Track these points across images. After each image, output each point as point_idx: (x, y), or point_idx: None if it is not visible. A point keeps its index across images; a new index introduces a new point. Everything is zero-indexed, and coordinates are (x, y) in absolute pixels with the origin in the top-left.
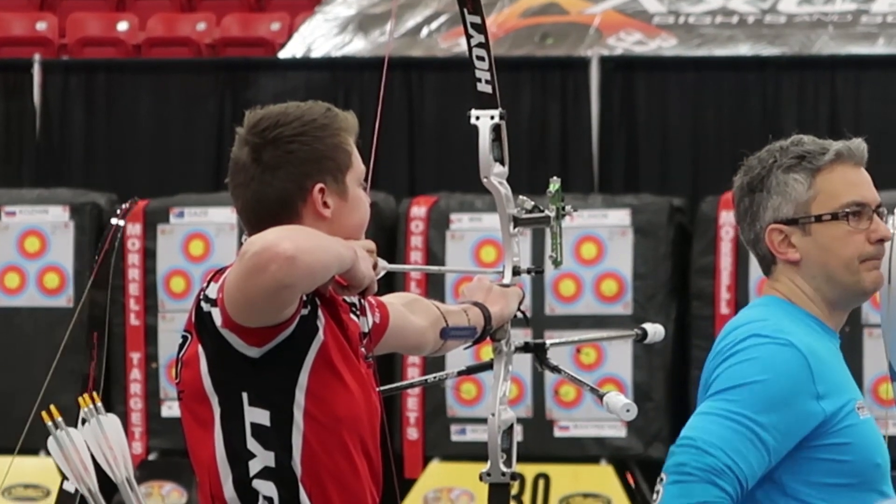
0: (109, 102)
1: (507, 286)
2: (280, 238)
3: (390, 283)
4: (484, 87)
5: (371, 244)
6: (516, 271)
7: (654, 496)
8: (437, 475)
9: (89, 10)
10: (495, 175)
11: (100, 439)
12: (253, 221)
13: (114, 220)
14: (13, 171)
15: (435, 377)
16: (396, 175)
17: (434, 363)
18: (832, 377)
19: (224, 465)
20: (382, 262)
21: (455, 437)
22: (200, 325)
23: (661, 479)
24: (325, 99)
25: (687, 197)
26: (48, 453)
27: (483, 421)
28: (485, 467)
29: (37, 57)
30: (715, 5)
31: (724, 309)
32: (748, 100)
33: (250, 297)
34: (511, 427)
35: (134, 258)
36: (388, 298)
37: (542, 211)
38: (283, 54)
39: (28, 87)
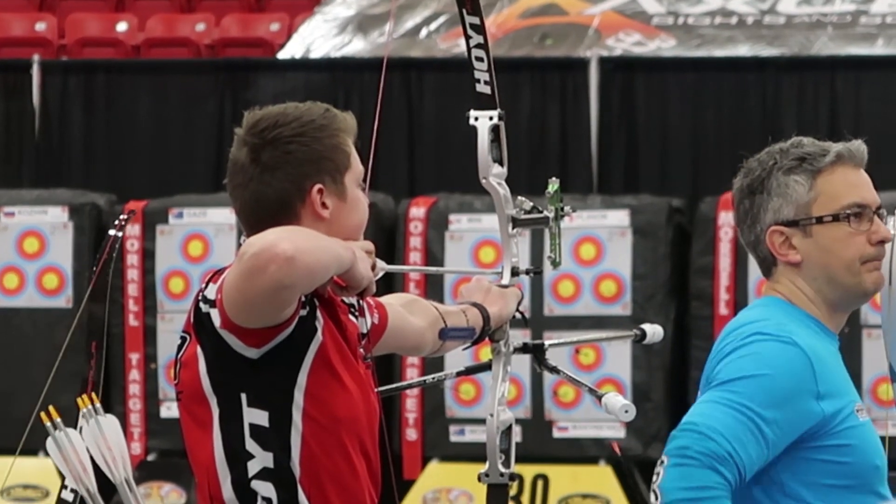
0: (109, 103)
1: (505, 287)
2: (279, 239)
3: (389, 283)
4: (483, 88)
5: (370, 245)
6: (515, 272)
7: (654, 478)
8: (435, 476)
9: (88, 10)
10: (494, 176)
11: (98, 440)
12: (252, 222)
13: (111, 232)
14: (12, 171)
15: (434, 378)
16: (395, 176)
17: (433, 364)
18: (833, 378)
19: (223, 465)
20: (381, 263)
21: (454, 438)
22: (199, 325)
23: (662, 462)
24: (324, 99)
25: (686, 197)
26: (47, 454)
27: (482, 421)
28: (483, 468)
29: (36, 57)
30: (714, 6)
31: (723, 309)
32: (747, 100)
33: (249, 298)
34: (510, 428)
35: (133, 259)
36: (386, 299)
37: (541, 212)
38: (283, 55)
39: (27, 87)
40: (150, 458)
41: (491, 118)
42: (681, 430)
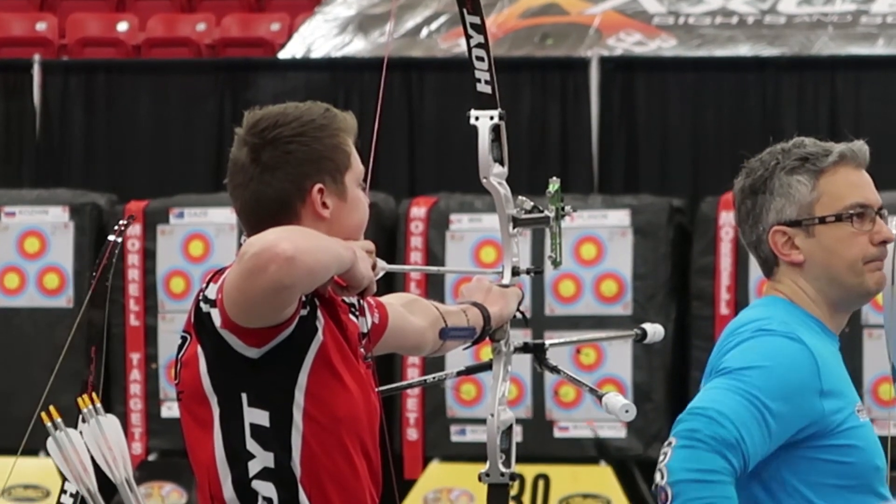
0: (109, 103)
1: (506, 286)
2: (279, 238)
3: (390, 283)
4: (483, 88)
5: (370, 245)
6: (516, 272)
7: (661, 458)
8: (436, 476)
9: (89, 10)
10: (495, 175)
11: (99, 440)
12: (252, 222)
13: (111, 238)
14: (13, 171)
15: (434, 377)
16: (396, 175)
17: (433, 363)
18: (835, 378)
19: (223, 465)
20: (381, 263)
21: (455, 438)
22: (200, 325)
23: (670, 443)
24: (324, 99)
25: (687, 197)
26: (48, 454)
27: (483, 421)
28: (484, 468)
29: (37, 57)
30: (715, 6)
31: (723, 309)
32: (748, 100)
33: (249, 298)
34: (510, 427)
35: (133, 259)
36: (387, 299)
37: (542, 211)
38: (283, 55)
39: (28, 87)
40: (151, 458)
41: (491, 118)
42: (689, 413)
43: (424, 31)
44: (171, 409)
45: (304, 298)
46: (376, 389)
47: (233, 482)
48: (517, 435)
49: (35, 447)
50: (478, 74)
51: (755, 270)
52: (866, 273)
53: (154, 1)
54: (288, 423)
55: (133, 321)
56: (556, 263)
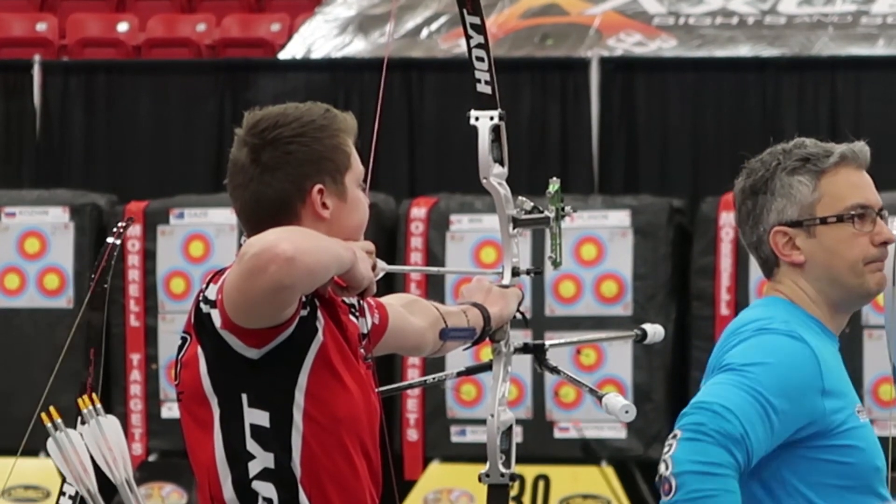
0: (109, 103)
1: (506, 287)
2: (279, 239)
3: (390, 283)
4: (483, 88)
5: (370, 245)
6: (516, 272)
7: (666, 449)
8: (437, 476)
9: (89, 10)
10: (495, 176)
11: (99, 441)
12: (252, 222)
13: (110, 240)
14: (13, 171)
15: (434, 378)
16: (396, 176)
17: (434, 364)
18: (836, 378)
19: (223, 466)
20: (381, 264)
21: (455, 439)
22: (200, 326)
23: (675, 435)
24: (325, 100)
25: (687, 198)
26: (48, 455)
27: (483, 422)
28: (484, 468)
29: (37, 58)
30: (715, 6)
31: (724, 310)
32: (748, 101)
33: (249, 298)
34: (510, 428)
35: (134, 259)
36: (387, 299)
37: (542, 212)
38: (283, 55)
39: (28, 87)
40: (151, 458)
41: (491, 118)
42: (694, 407)
43: (424, 32)
44: (171, 410)
45: (304, 299)
46: (376, 390)
47: (233, 483)
48: (517, 435)
49: (35, 448)
50: (478, 75)
51: (755, 271)
52: (867, 274)
53: (154, 1)
54: (288, 423)
55: (133, 322)
56: (556, 264)
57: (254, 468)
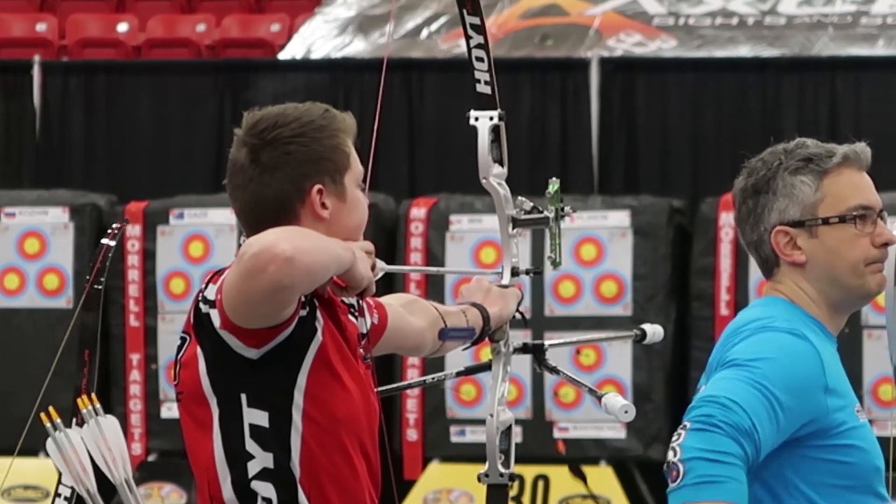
0: (109, 103)
1: (505, 287)
2: (278, 239)
3: (390, 284)
4: (483, 88)
5: (369, 245)
6: (515, 272)
7: (675, 438)
8: (436, 476)
9: (89, 11)
10: (494, 176)
11: (98, 441)
12: (251, 222)
13: (104, 241)
14: (13, 172)
15: (434, 378)
16: (396, 176)
17: (433, 364)
18: (836, 377)
19: (223, 466)
20: (381, 264)
21: (454, 439)
22: (199, 326)
23: (685, 426)
24: (324, 100)
25: (687, 198)
26: (47, 455)
27: (483, 422)
28: (484, 468)
29: (37, 58)
30: (715, 7)
31: (723, 310)
32: (748, 101)
33: (249, 299)
34: (509, 428)
35: (133, 259)
36: (386, 299)
37: (542, 212)
38: (283, 55)
39: (28, 88)
40: (151, 458)
41: (491, 118)
42: (702, 401)
43: (424, 32)
44: (170, 410)
45: (303, 299)
46: (376, 390)
47: (232, 483)
48: (517, 436)
49: (35, 447)
50: (477, 75)
51: (755, 271)
52: (868, 275)
53: (154, 2)
54: (287, 423)
55: (133, 322)
56: (555, 264)
57: (253, 468)
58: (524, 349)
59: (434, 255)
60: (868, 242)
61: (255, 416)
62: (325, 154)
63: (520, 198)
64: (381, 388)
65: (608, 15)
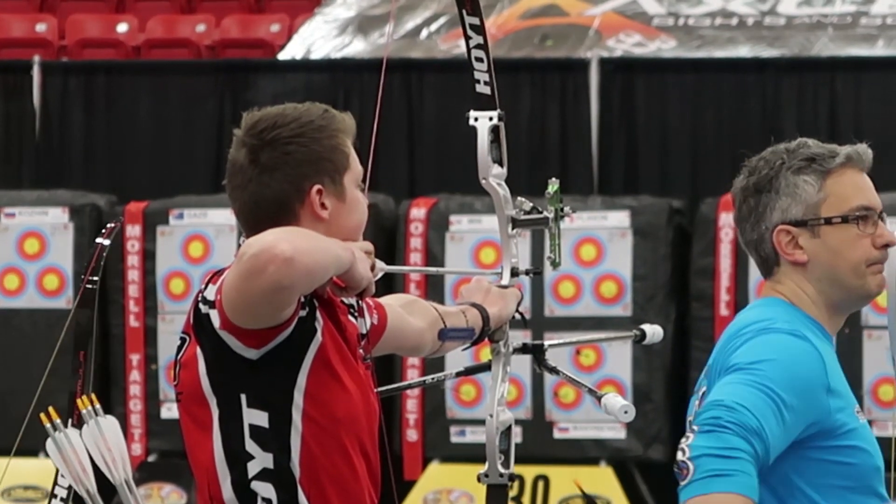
0: (109, 104)
1: (505, 287)
2: (278, 239)
3: (389, 284)
4: (482, 89)
5: (369, 245)
6: (515, 272)
7: (684, 440)
8: (436, 477)
9: (89, 11)
10: (494, 176)
11: (98, 441)
12: (251, 223)
13: (99, 240)
14: (13, 172)
15: (434, 378)
16: (396, 176)
17: (433, 364)
18: (837, 377)
19: (223, 466)
20: (380, 264)
21: (455, 439)
22: (198, 326)
23: (693, 430)
24: (324, 100)
25: (686, 198)
26: (47, 455)
27: (483, 422)
28: (484, 468)
29: (36, 58)
30: (714, 7)
31: (723, 310)
32: (748, 101)
33: (248, 299)
34: (509, 428)
35: (133, 260)
36: (386, 300)
37: (541, 212)
38: (283, 56)
39: (28, 88)
40: (151, 458)
41: (491, 119)
42: (708, 406)
43: (424, 33)
44: (170, 410)
45: (303, 299)
46: (375, 390)
47: (232, 483)
48: (517, 436)
49: (35, 448)
50: (477, 75)
51: (755, 272)
52: (868, 275)
53: (154, 2)
54: (287, 423)
55: (133, 322)
56: (554, 264)
57: (253, 468)
58: (524, 349)
59: (434, 255)
60: (869, 243)
61: (255, 417)
62: (324, 154)
63: (519, 198)
64: (381, 389)
65: (608, 15)
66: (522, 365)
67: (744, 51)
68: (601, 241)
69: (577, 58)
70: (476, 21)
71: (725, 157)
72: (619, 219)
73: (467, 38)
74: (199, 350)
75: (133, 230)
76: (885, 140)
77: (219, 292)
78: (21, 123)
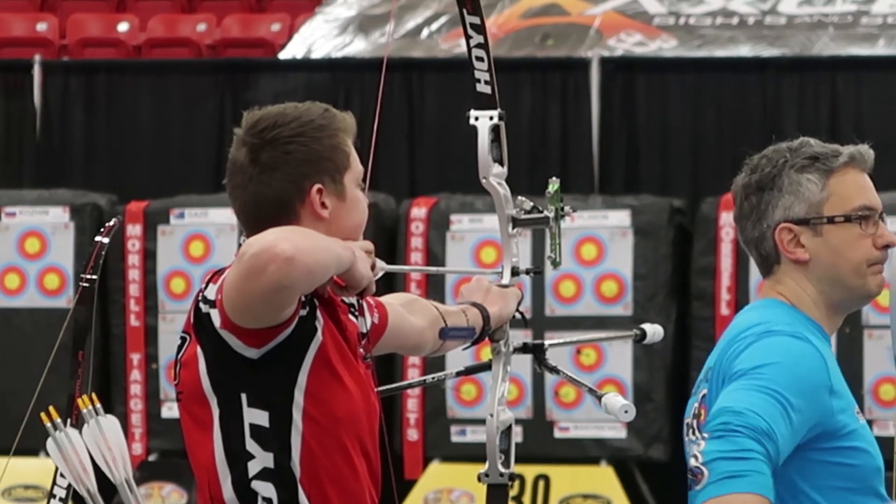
0: (110, 103)
1: (505, 287)
2: (278, 239)
3: (390, 283)
4: (483, 88)
5: (369, 245)
6: (515, 272)
7: (695, 447)
8: (437, 476)
9: (90, 10)
10: (494, 176)
11: (99, 441)
12: (251, 222)
13: (98, 238)
14: (13, 171)
15: (434, 377)
16: (396, 176)
17: (434, 364)
18: (838, 378)
19: (223, 466)
20: (381, 263)
21: (455, 438)
22: (199, 326)
23: (704, 437)
24: (325, 100)
25: (687, 198)
26: (48, 454)
27: (483, 422)
28: (484, 468)
29: (37, 58)
30: (715, 6)
31: (724, 310)
32: (748, 101)
33: (249, 298)
34: (509, 428)
35: (134, 259)
36: (386, 299)
37: (542, 212)
38: (284, 55)
39: (28, 87)
40: (152, 458)
41: (491, 118)
42: (716, 412)
43: (425, 32)
44: (171, 410)
45: (303, 299)
46: (376, 389)
47: (232, 483)
48: (517, 435)
49: (35, 447)
50: (477, 75)
51: (756, 271)
52: (869, 275)
53: (154, 1)
54: (287, 423)
55: (133, 321)
56: (555, 264)
57: (253, 468)
58: (524, 349)
59: (434, 254)
60: (870, 243)
61: (256, 416)
62: (324, 154)
63: (520, 197)
64: (381, 388)
65: (608, 15)
66: (523, 364)
67: (744, 50)
68: (602, 240)
69: (577, 57)
70: (477, 20)
71: (726, 156)
72: (620, 218)
73: (468, 38)
74: (199, 349)
75: (134, 229)
76: (886, 140)
77: (219, 292)
78: (22, 123)
